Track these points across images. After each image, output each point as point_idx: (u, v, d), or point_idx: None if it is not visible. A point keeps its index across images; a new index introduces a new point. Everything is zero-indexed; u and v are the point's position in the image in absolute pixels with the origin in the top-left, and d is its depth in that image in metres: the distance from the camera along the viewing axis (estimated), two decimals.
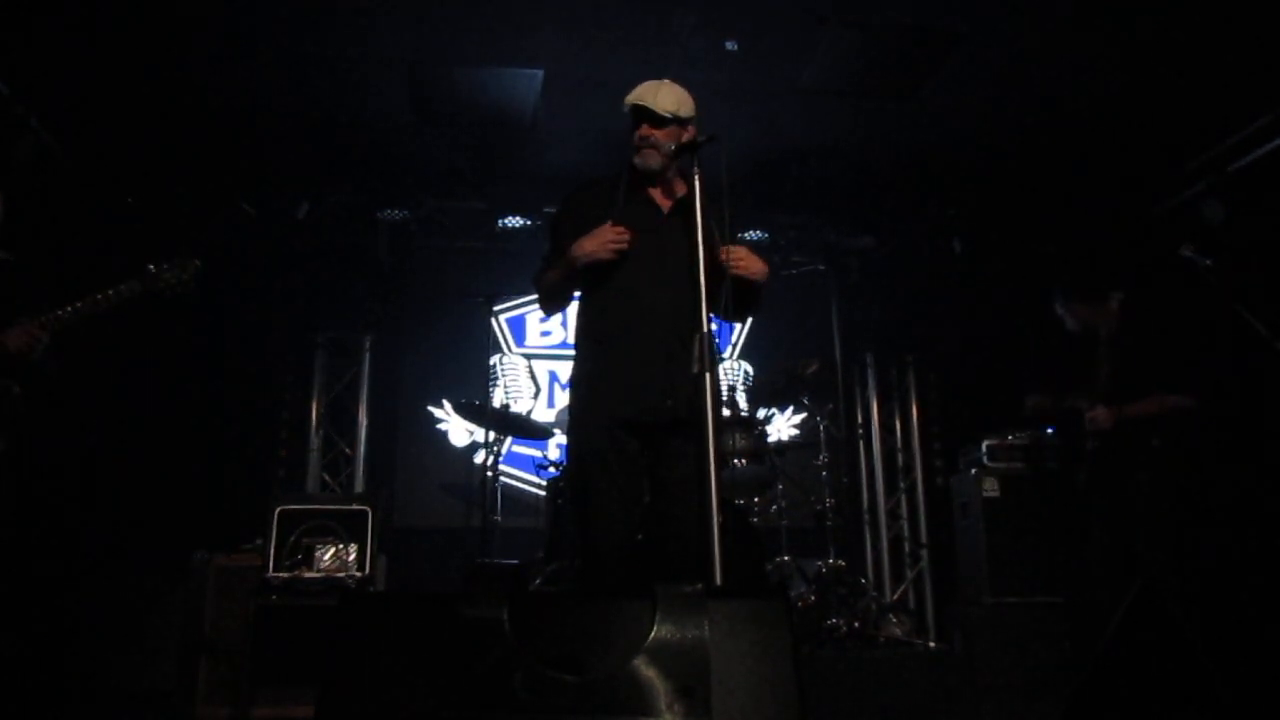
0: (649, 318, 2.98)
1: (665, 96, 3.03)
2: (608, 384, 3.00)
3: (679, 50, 4.85)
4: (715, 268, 2.83)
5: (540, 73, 5.15)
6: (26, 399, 3.43)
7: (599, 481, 2.95)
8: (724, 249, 2.87)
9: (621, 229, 2.96)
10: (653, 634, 1.81)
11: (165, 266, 3.67)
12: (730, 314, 2.94)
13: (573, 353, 3.21)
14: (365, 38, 4.79)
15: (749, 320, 3.29)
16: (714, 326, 2.81)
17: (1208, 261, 4.18)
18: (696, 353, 2.64)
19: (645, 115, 3.03)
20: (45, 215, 4.91)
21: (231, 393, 6.30)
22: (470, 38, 4.86)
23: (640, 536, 3.21)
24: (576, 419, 3.09)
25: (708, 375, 2.59)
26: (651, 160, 3.05)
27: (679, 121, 3.04)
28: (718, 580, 2.30)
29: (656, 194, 3.13)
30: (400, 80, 5.21)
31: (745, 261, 2.97)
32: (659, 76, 3.17)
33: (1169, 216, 6.10)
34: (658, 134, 3.03)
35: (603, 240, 2.96)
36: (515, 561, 5.27)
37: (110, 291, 3.57)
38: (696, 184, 2.78)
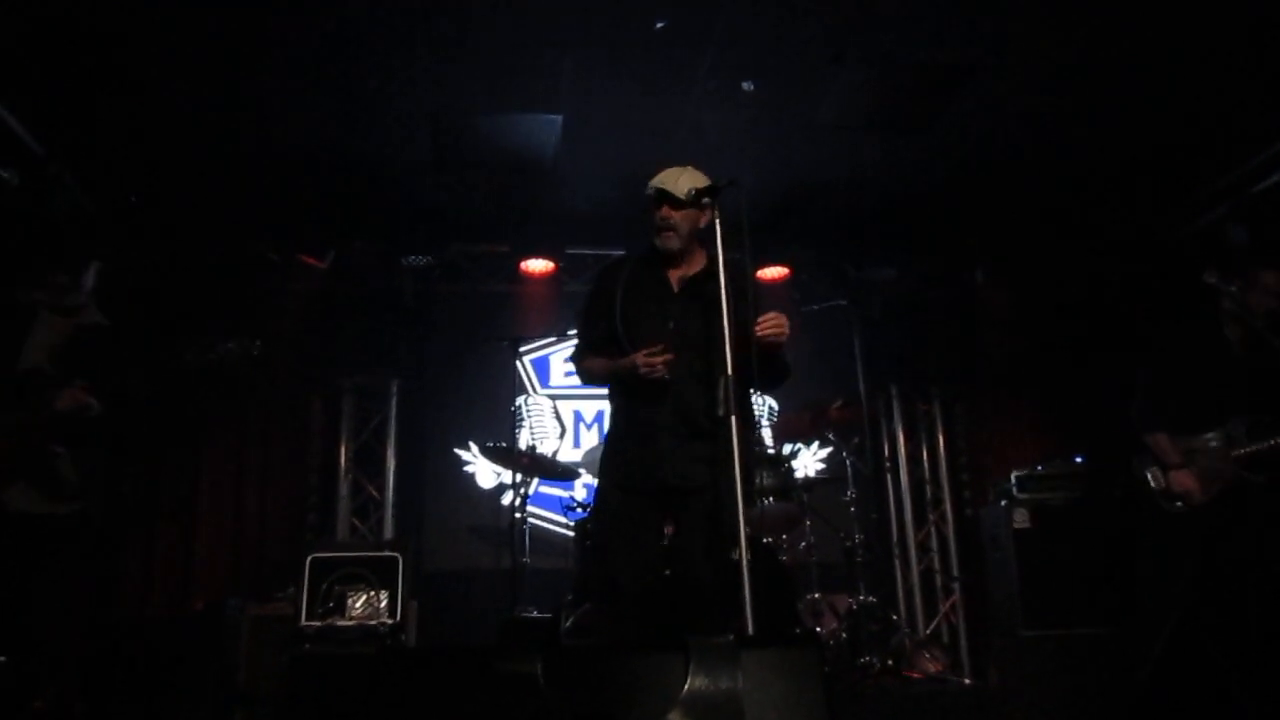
0: (646, 395, 3.12)
1: (685, 181, 3.18)
2: (611, 454, 3.28)
3: (696, 92, 4.91)
4: (741, 329, 2.96)
5: (559, 118, 5.22)
6: (75, 460, 3.42)
7: (610, 529, 3.23)
8: (761, 319, 2.98)
9: (647, 357, 3.07)
10: (686, 686, 1.82)
11: (231, 345, 3.74)
12: (760, 384, 3.16)
13: (595, 393, 3.34)
14: (389, 90, 4.88)
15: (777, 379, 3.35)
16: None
17: (1232, 288, 4.15)
18: (721, 396, 2.79)
19: (665, 198, 3.18)
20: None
21: (260, 440, 6.37)
22: (491, 87, 4.94)
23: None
24: (599, 478, 3.37)
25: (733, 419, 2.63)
26: (670, 242, 3.21)
27: (697, 205, 3.16)
28: (750, 628, 2.30)
29: (673, 274, 3.27)
30: (423, 129, 5.29)
31: (778, 327, 3.01)
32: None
33: (1191, 241, 6.07)
34: (676, 216, 3.19)
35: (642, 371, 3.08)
36: (548, 615, 5.25)
37: (179, 360, 3.62)
38: (717, 227, 2.82)
